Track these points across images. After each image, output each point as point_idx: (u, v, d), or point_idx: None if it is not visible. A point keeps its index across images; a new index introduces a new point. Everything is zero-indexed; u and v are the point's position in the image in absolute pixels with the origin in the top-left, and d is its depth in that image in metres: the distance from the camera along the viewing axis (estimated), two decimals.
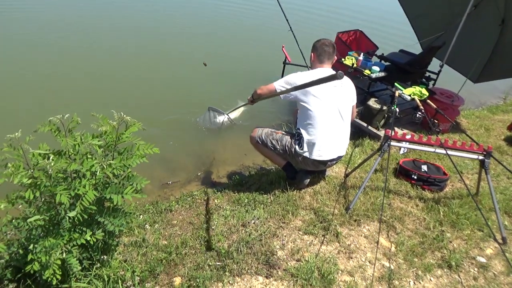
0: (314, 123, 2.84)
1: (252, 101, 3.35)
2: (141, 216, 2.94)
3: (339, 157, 3.04)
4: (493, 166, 3.81)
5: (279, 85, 2.94)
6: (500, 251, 2.65)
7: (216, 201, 3.18)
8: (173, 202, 3.20)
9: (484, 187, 3.33)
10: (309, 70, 3.14)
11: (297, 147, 2.95)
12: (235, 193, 3.28)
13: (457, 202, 3.12)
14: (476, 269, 2.51)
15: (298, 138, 2.96)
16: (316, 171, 3.27)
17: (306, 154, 2.92)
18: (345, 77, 2.99)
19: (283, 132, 3.14)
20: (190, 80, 6.00)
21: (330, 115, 2.86)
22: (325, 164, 3.00)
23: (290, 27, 4.71)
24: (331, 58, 2.98)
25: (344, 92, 2.97)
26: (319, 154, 2.90)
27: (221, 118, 4.85)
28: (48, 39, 6.92)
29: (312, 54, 3.04)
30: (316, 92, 2.80)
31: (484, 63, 4.96)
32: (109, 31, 7.92)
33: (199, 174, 3.97)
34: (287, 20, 4.72)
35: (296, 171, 3.17)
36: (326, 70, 2.95)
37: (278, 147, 3.08)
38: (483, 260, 2.59)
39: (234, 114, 4.96)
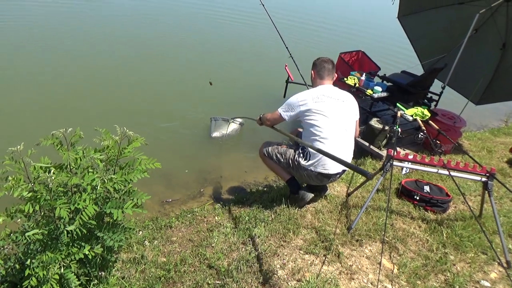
0: (319, 138, 2.85)
1: (260, 123, 3.39)
2: (141, 232, 2.90)
3: (343, 171, 3.04)
4: (496, 188, 3.77)
5: (283, 110, 3.00)
6: (504, 275, 2.60)
7: (216, 218, 3.15)
8: (173, 218, 3.17)
9: (487, 209, 3.30)
10: (308, 88, 3.17)
11: (301, 160, 2.96)
12: (235, 210, 3.26)
13: (460, 224, 3.08)
14: None
15: (302, 151, 2.97)
16: (317, 188, 3.26)
17: (311, 168, 2.91)
18: (347, 93, 3.04)
19: (287, 146, 3.17)
20: (192, 95, 6.03)
21: (334, 129, 2.88)
22: (329, 178, 2.98)
23: (290, 54, 4.84)
24: (331, 74, 3.04)
25: (347, 107, 3.00)
26: (324, 167, 2.89)
27: (226, 125, 4.95)
28: (52, 50, 7.01)
29: (313, 72, 3.10)
30: (320, 108, 2.84)
31: (486, 85, 4.99)
32: (111, 42, 8.03)
33: (199, 190, 3.94)
34: (286, 47, 4.83)
35: (299, 187, 3.16)
36: (327, 86, 3.00)
37: (282, 160, 3.10)
38: (487, 284, 2.54)
39: (239, 120, 5.09)
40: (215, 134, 4.88)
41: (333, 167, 2.91)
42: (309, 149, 2.90)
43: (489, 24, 4.78)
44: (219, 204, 3.48)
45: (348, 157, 3.00)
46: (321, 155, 2.84)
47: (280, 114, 3.01)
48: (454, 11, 5.02)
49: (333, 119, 2.87)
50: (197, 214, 3.25)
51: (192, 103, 5.72)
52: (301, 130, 3.16)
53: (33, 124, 4.59)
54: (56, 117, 4.83)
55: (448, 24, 5.20)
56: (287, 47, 4.81)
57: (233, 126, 5.03)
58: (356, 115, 3.13)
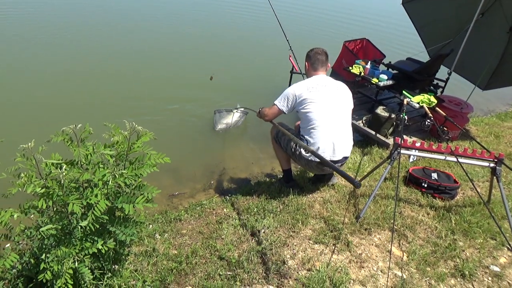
0: (315, 126, 2.92)
1: (259, 117, 3.41)
2: (151, 226, 2.94)
3: (345, 158, 3.08)
4: (504, 173, 3.76)
5: (280, 103, 3.06)
6: None
7: (225, 210, 3.18)
8: (182, 211, 3.20)
9: (496, 195, 3.29)
10: (304, 79, 3.19)
11: (302, 150, 3.00)
12: (244, 202, 3.28)
13: (468, 210, 3.08)
14: (490, 278, 2.47)
15: (300, 138, 3.03)
16: (324, 177, 3.32)
17: (311, 157, 2.95)
18: (341, 82, 3.10)
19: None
20: (195, 88, 6.03)
21: (330, 117, 2.95)
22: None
23: (290, 47, 4.84)
24: (324, 65, 3.11)
25: (342, 96, 3.06)
26: (324, 155, 2.91)
27: (230, 115, 4.97)
28: (58, 46, 7.04)
29: (306, 63, 3.16)
30: (315, 97, 2.92)
31: (493, 70, 4.94)
32: (115, 37, 8.06)
33: (207, 183, 3.97)
34: (287, 40, 4.81)
35: (292, 178, 3.39)
36: (321, 77, 3.07)
37: (287, 147, 3.16)
38: (497, 269, 2.54)
39: (242, 109, 5.08)
40: (219, 126, 4.89)
41: (332, 156, 2.96)
42: (308, 139, 2.96)
43: (495, 7, 4.72)
44: (227, 196, 3.51)
45: (347, 143, 3.07)
46: (317, 146, 2.92)
47: (278, 107, 3.05)
48: None
49: (328, 107, 2.94)
50: (206, 206, 3.28)
51: (195, 96, 5.73)
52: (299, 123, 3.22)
53: (43, 120, 4.64)
54: (65, 113, 4.88)
55: (454, 9, 5.14)
56: (287, 40, 4.79)
57: (237, 116, 5.05)
58: (351, 104, 3.16)
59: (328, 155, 2.95)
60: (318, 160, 2.92)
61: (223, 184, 3.96)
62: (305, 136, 3.00)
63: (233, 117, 4.97)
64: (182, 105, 5.48)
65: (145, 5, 11.52)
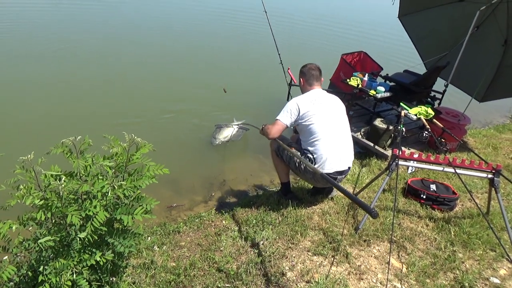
0: (319, 138, 2.94)
1: (262, 134, 3.40)
2: (149, 238, 2.93)
3: (349, 168, 3.10)
4: (502, 185, 3.78)
5: (284, 117, 3.02)
6: None
7: (224, 222, 3.17)
8: (181, 223, 3.19)
9: (495, 206, 3.30)
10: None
11: (306, 164, 2.97)
12: (242, 214, 3.28)
13: (467, 222, 3.08)
14: None
15: (306, 157, 2.99)
16: (323, 190, 3.32)
17: (318, 170, 2.90)
18: (335, 96, 3.17)
19: (295, 148, 3.13)
20: (196, 101, 6.07)
21: (332, 128, 2.98)
22: (334, 178, 2.97)
23: (281, 61, 4.76)
24: (319, 80, 3.15)
25: (338, 108, 3.11)
26: (331, 166, 2.93)
27: (230, 131, 4.91)
28: (57, 58, 7.09)
29: (301, 79, 3.20)
30: (316, 111, 2.96)
31: (489, 82, 4.99)
32: (119, 49, 8.13)
33: (206, 195, 3.97)
34: (279, 54, 4.79)
35: (290, 191, 3.40)
36: (317, 91, 3.11)
37: (291, 161, 3.14)
38: (497, 280, 2.53)
39: (242, 125, 5.05)
40: (217, 142, 4.82)
41: (337, 165, 2.97)
42: (313, 151, 2.96)
43: (490, 21, 4.79)
44: (226, 208, 3.50)
45: (350, 154, 3.09)
46: (325, 158, 2.92)
47: (282, 121, 3.02)
48: (454, 9, 5.04)
49: (330, 119, 2.98)
50: (205, 218, 3.27)
51: (194, 108, 5.77)
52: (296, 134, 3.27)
53: (42, 132, 4.64)
54: (63, 126, 4.89)
55: (449, 22, 5.21)
56: (279, 54, 4.78)
57: (237, 131, 4.99)
58: (346, 117, 3.19)
59: (335, 166, 2.96)
60: (326, 171, 2.90)
61: (222, 196, 3.96)
62: (309, 149, 2.98)
63: (233, 132, 4.91)
64: (182, 117, 5.50)
65: (145, 16, 11.66)
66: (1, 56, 7.14)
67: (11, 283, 2.12)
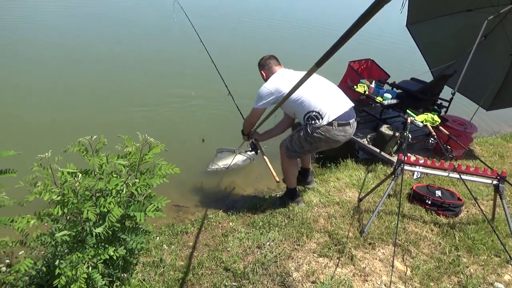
0: (309, 96, 2.92)
1: (247, 137, 3.51)
2: (158, 238, 3.00)
3: (353, 107, 3.07)
4: (508, 192, 3.80)
5: (258, 104, 3.07)
6: None
7: (231, 224, 3.23)
8: (189, 224, 3.26)
9: (500, 213, 3.32)
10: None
11: (316, 123, 2.92)
12: (249, 216, 3.34)
13: (472, 228, 3.11)
14: None
15: (310, 119, 2.96)
16: (304, 180, 3.56)
17: (325, 122, 2.90)
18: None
19: (297, 130, 3.15)
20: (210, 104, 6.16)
21: (314, 84, 2.99)
22: (348, 123, 2.98)
23: (229, 92, 4.20)
24: (278, 63, 3.25)
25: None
26: (337, 110, 2.92)
27: (231, 158, 4.54)
28: (70, 62, 7.25)
29: (263, 71, 3.27)
30: (286, 83, 2.97)
31: (496, 91, 5.02)
32: (119, 60, 8.24)
33: (213, 198, 4.04)
34: (226, 86, 4.25)
35: (297, 195, 3.43)
36: (282, 69, 3.21)
37: (303, 144, 3.07)
38: (501, 286, 2.56)
39: (248, 153, 4.62)
40: (213, 167, 4.48)
41: (341, 107, 2.96)
42: (315, 110, 2.92)
43: (498, 30, 4.83)
44: (233, 211, 3.56)
45: (345, 97, 3.09)
46: (326, 106, 2.91)
47: (257, 108, 3.10)
48: (462, 18, 5.08)
49: (310, 83, 2.96)
50: (212, 220, 3.34)
51: (203, 114, 5.85)
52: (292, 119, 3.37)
53: (58, 133, 4.80)
54: (78, 127, 5.01)
55: (457, 31, 5.26)
56: (226, 86, 4.23)
57: (240, 158, 4.60)
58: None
59: (339, 108, 2.95)
60: (333, 118, 2.89)
61: (228, 198, 4.02)
62: (309, 110, 2.94)
63: (234, 159, 4.52)
64: (191, 119, 5.60)
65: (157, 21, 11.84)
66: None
67: (26, 277, 2.20)
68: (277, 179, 3.32)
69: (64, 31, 9.65)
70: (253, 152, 4.13)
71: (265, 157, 3.51)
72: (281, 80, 3.03)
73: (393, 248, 2.80)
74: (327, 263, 2.63)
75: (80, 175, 1.95)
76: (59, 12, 11.74)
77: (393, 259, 2.62)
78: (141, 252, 2.59)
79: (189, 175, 4.28)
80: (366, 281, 2.48)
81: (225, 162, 4.51)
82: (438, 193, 3.45)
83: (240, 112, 4.04)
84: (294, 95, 2.87)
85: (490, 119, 7.58)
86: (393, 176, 3.01)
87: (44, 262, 2.14)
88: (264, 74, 3.26)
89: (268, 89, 3.02)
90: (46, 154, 1.97)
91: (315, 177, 4.21)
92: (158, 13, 12.61)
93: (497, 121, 7.71)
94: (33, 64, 7.15)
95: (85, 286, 1.82)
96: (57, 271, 1.80)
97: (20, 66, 7.02)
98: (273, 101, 3.01)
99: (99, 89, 6.41)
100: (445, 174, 3.02)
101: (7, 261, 2.28)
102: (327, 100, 2.96)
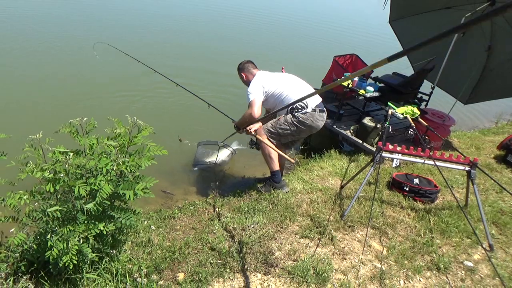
0: (291, 94, 3.43)
1: (240, 129, 3.66)
2: (146, 222, 3.08)
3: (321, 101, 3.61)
4: (482, 181, 3.99)
5: (257, 96, 3.45)
6: (487, 257, 2.79)
7: (217, 209, 3.34)
8: (176, 210, 3.36)
9: (474, 200, 3.49)
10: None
11: (300, 114, 3.45)
12: (235, 202, 3.45)
13: (447, 213, 3.28)
14: (463, 272, 2.65)
15: (296, 109, 3.47)
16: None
17: (309, 109, 3.45)
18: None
19: (283, 115, 3.54)
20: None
21: (291, 84, 3.56)
22: (323, 110, 3.54)
23: (209, 105, 3.95)
24: (254, 66, 3.72)
25: (282, 73, 3.82)
26: (314, 103, 3.48)
27: (215, 152, 4.50)
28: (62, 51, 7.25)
29: (243, 74, 3.70)
30: (271, 81, 3.53)
31: (473, 86, 5.22)
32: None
33: (200, 185, 4.13)
34: (204, 100, 4.01)
35: (281, 178, 3.62)
36: (261, 71, 3.66)
37: (289, 127, 3.48)
38: (470, 264, 2.73)
39: (230, 146, 4.63)
40: (199, 166, 4.46)
41: (316, 100, 3.53)
42: (302, 102, 3.44)
43: (475, 27, 5.02)
44: (220, 198, 3.67)
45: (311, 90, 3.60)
46: (307, 102, 3.45)
47: (256, 99, 3.43)
48: (442, 16, 5.27)
49: (286, 79, 3.61)
50: (199, 206, 3.44)
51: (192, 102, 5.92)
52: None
53: (48, 115, 4.95)
54: (69, 111, 5.19)
55: (437, 28, 5.43)
56: (204, 100, 3.99)
57: (224, 153, 4.57)
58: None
59: (315, 101, 3.50)
60: (314, 108, 3.46)
61: (216, 187, 4.12)
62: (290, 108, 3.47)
63: (218, 154, 4.48)
64: (179, 110, 5.68)
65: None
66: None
67: (16, 254, 2.27)
68: (292, 160, 3.65)
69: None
70: (236, 146, 4.40)
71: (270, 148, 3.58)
72: (265, 76, 3.57)
73: (372, 230, 2.94)
74: (308, 243, 2.76)
75: (71, 154, 2.04)
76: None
77: (367, 230, 2.76)
78: (129, 233, 2.68)
79: (177, 165, 4.38)
80: (345, 259, 2.62)
81: (210, 159, 4.53)
82: (416, 180, 3.61)
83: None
84: (277, 91, 3.46)
85: (471, 114, 7.85)
86: (372, 163, 3.15)
87: (35, 239, 2.22)
88: (244, 76, 3.70)
89: (256, 83, 3.50)
90: (38, 135, 2.05)
91: (300, 167, 4.35)
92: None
93: (477, 116, 7.98)
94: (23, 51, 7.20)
95: (76, 258, 1.91)
96: (49, 243, 1.89)
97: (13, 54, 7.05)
98: (263, 92, 3.48)
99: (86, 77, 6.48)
100: (421, 161, 3.18)
101: None
102: (305, 93, 3.29)
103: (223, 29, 12.12)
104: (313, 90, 3.51)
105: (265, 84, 3.49)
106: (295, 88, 3.50)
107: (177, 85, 4.04)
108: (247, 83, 3.62)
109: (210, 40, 10.37)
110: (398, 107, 4.43)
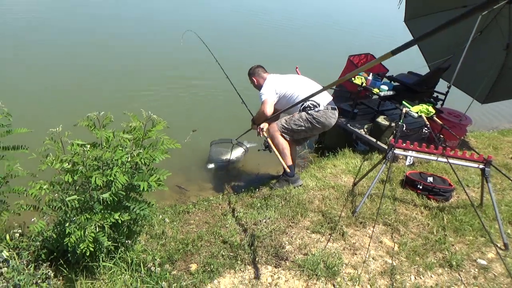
0: (302, 93, 3.50)
1: (256, 125, 3.77)
2: (160, 216, 3.16)
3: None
4: (499, 181, 3.93)
5: (269, 95, 3.57)
6: (502, 255, 2.75)
7: (230, 205, 3.39)
8: (190, 205, 3.43)
9: (489, 199, 3.45)
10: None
11: (314, 111, 3.54)
12: (248, 198, 3.50)
13: (461, 211, 3.25)
14: (476, 269, 2.62)
15: (308, 108, 3.57)
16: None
17: (322, 107, 3.55)
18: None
19: (297, 112, 3.62)
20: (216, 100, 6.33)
21: (302, 84, 3.68)
22: (335, 108, 3.66)
23: (242, 100, 4.19)
24: (264, 70, 3.86)
25: (293, 74, 3.93)
26: (326, 101, 3.60)
27: (229, 150, 4.56)
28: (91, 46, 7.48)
29: (254, 78, 3.85)
30: (283, 83, 3.65)
31: (491, 85, 5.14)
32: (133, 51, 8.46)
33: (214, 182, 4.20)
34: (239, 94, 4.25)
35: (295, 172, 3.67)
36: (273, 75, 3.79)
37: (303, 123, 3.55)
38: (483, 262, 2.70)
39: (245, 145, 4.63)
40: (212, 165, 4.50)
41: (328, 97, 3.69)
42: (313, 100, 3.55)
43: (492, 26, 4.96)
44: (233, 194, 3.73)
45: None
46: (319, 97, 3.53)
47: (269, 98, 3.55)
48: (458, 14, 5.21)
49: (296, 81, 3.71)
50: (213, 202, 3.50)
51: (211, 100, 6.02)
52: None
53: (67, 110, 5.11)
54: (87, 105, 5.34)
55: (454, 27, 5.37)
56: (239, 94, 4.23)
57: (238, 151, 4.62)
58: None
59: (326, 98, 3.64)
60: (327, 106, 3.56)
61: (230, 183, 4.18)
62: (308, 101, 3.56)
63: (232, 152, 4.54)
64: (193, 107, 5.78)
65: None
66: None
67: (37, 243, 2.37)
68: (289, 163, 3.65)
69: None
70: (249, 144, 4.49)
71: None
72: (276, 79, 3.70)
73: (384, 226, 2.95)
74: (319, 238, 2.78)
75: (89, 146, 2.13)
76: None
77: (374, 226, 2.76)
78: (144, 225, 2.75)
79: (192, 162, 4.46)
80: (355, 254, 2.64)
81: (224, 157, 4.59)
82: (430, 179, 3.58)
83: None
84: (288, 92, 3.57)
85: (490, 115, 7.71)
86: (384, 160, 3.15)
87: (54, 229, 2.32)
88: (255, 80, 3.84)
89: (268, 85, 3.63)
90: (57, 128, 2.15)
91: (313, 165, 4.37)
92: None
93: (497, 116, 7.84)
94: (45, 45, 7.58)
95: (93, 246, 1.99)
96: (67, 230, 1.97)
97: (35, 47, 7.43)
98: (275, 93, 3.59)
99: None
100: (434, 158, 3.16)
101: (19, 230, 2.45)
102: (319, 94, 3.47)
103: (250, 29, 12.26)
104: (324, 93, 3.58)
105: (276, 86, 3.61)
106: (306, 88, 3.58)
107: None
108: (259, 87, 3.77)
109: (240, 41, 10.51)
110: (412, 106, 4.41)
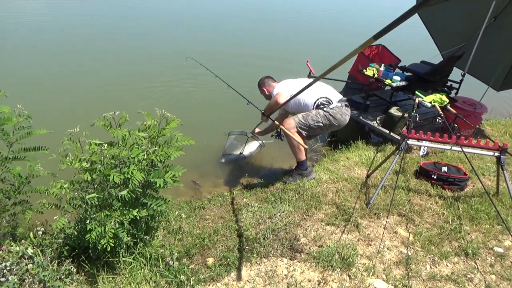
0: (313, 92, 3.62)
1: (266, 117, 3.85)
2: (177, 212, 3.22)
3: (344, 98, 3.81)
4: None
5: (282, 90, 3.66)
6: None
7: (245, 200, 3.44)
8: (205, 201, 3.48)
9: (505, 187, 3.41)
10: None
11: (329, 108, 3.61)
12: (262, 193, 3.54)
13: (477, 200, 3.23)
14: (493, 257, 2.61)
15: (323, 106, 3.63)
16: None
17: (334, 104, 3.64)
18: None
19: (314, 108, 3.66)
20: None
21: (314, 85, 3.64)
22: (348, 106, 3.74)
23: (248, 101, 3.98)
24: (273, 80, 3.98)
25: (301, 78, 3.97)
26: (338, 98, 3.71)
27: (243, 143, 4.59)
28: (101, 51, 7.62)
29: (264, 88, 3.95)
30: (293, 87, 3.65)
31: (506, 71, 5.04)
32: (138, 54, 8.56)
33: (229, 177, 4.25)
34: (243, 96, 4.02)
35: (308, 166, 3.73)
36: (283, 81, 3.83)
37: (320, 120, 3.59)
38: (500, 250, 2.68)
39: (260, 139, 4.62)
40: (225, 159, 4.54)
41: (339, 94, 3.80)
42: (325, 98, 3.66)
43: (507, 11, 4.86)
44: (247, 189, 3.77)
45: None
46: (330, 94, 3.70)
47: (282, 91, 3.62)
48: (472, 1, 5.12)
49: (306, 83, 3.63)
50: (227, 197, 3.55)
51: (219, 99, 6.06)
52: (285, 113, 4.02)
53: (83, 111, 5.25)
54: (103, 106, 5.40)
55: (467, 14, 5.29)
56: (243, 96, 4.01)
57: (253, 145, 4.62)
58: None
59: (338, 97, 3.73)
60: (341, 103, 3.67)
61: (243, 178, 4.22)
62: (320, 100, 3.65)
63: (247, 145, 4.56)
64: (206, 106, 5.85)
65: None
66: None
67: (59, 240, 2.46)
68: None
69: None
70: (264, 139, 4.50)
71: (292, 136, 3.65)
72: (286, 82, 3.78)
73: (398, 217, 2.96)
74: (333, 230, 2.81)
75: (106, 145, 2.20)
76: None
77: (388, 215, 2.77)
78: (161, 220, 2.82)
79: (206, 158, 4.51)
80: (370, 245, 2.65)
81: (239, 150, 4.61)
82: (444, 169, 3.56)
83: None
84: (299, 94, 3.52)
85: (506, 103, 7.56)
86: (397, 151, 3.15)
87: (76, 226, 2.40)
88: (266, 90, 3.94)
89: (280, 87, 3.72)
90: (75, 129, 2.22)
91: (326, 158, 4.38)
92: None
93: None
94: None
95: (113, 242, 2.06)
96: (88, 227, 2.05)
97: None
98: (287, 91, 3.62)
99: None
100: (448, 147, 3.14)
101: (42, 229, 2.53)
102: (327, 90, 3.75)
103: (258, 27, 12.25)
104: (334, 91, 3.79)
105: (288, 88, 3.65)
106: (317, 89, 3.67)
107: (228, 87, 4.12)
108: (269, 96, 3.86)
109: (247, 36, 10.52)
110: (426, 96, 4.37)
